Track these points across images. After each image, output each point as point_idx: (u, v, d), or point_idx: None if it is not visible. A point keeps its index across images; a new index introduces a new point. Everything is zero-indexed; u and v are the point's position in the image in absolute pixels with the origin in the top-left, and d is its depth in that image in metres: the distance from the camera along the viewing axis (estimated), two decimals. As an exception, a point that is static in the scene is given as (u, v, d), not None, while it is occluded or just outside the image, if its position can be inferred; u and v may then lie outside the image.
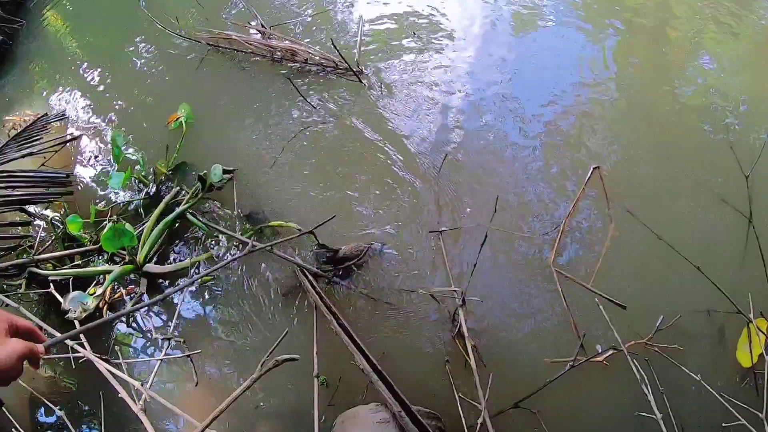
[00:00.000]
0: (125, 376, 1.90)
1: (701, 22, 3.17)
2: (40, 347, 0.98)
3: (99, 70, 3.80)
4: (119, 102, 3.54)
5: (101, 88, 3.69)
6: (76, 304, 2.35)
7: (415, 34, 3.23)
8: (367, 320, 2.32)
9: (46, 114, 3.60)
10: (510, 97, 2.86)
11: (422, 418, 1.86)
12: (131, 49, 3.78)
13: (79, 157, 3.38)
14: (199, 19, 3.68)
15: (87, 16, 4.38)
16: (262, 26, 3.39)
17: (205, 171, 2.68)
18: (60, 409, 2.24)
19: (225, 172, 2.70)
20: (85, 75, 3.83)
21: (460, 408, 1.95)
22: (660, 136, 2.69)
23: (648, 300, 2.25)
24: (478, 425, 1.85)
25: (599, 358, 2.09)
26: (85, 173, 3.29)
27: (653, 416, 1.74)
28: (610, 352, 2.09)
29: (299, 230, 2.46)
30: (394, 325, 2.30)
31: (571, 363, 1.95)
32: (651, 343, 2.09)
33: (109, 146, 3.16)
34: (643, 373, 1.84)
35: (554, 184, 2.56)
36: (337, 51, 2.93)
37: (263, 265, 2.55)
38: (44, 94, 3.86)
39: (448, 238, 2.45)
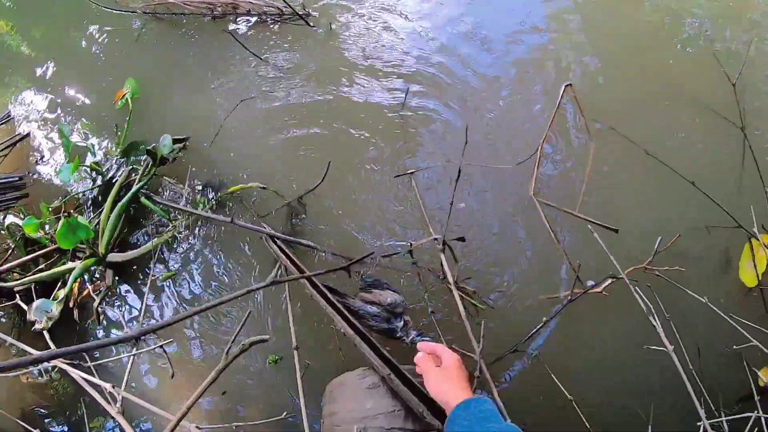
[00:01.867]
0: (97, 380, 1.74)
1: None
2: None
3: (43, 62, 3.54)
4: (67, 91, 3.29)
5: (48, 80, 3.43)
6: (40, 313, 2.18)
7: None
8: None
9: (-11, 116, 3.38)
10: (472, 23, 2.58)
11: (413, 378, 1.67)
12: (72, 35, 3.51)
13: (33, 155, 3.18)
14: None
15: (27, 10, 4.10)
16: (199, -18, 3.10)
17: (154, 144, 2.46)
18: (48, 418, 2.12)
19: (176, 141, 2.47)
20: (30, 70, 3.58)
21: None
22: (637, 49, 2.43)
23: (641, 223, 2.04)
24: (475, 378, 1.67)
25: (597, 289, 1.89)
26: (42, 171, 3.09)
27: (663, 348, 1.54)
28: (609, 281, 1.89)
29: (263, 188, 2.25)
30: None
31: (568, 297, 1.75)
32: (650, 267, 1.89)
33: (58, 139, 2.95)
34: (647, 301, 1.63)
35: (526, 109, 2.31)
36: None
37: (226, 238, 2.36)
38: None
39: (418, 180, 2.23)
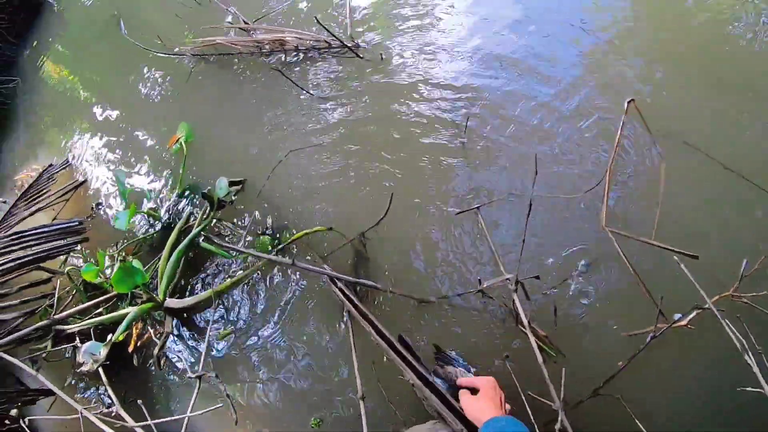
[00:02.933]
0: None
1: None
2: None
3: (101, 108, 3.64)
4: (124, 136, 3.35)
5: (105, 124, 3.52)
6: (88, 356, 2.16)
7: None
8: (412, 329, 2.01)
9: (50, 165, 3.46)
10: (526, 47, 2.45)
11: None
12: (119, 80, 3.60)
13: (92, 200, 3.23)
14: (181, 32, 3.44)
15: (83, 56, 4.23)
16: (245, 22, 3.11)
17: (210, 188, 2.44)
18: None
19: (232, 183, 2.45)
20: (90, 115, 3.67)
21: (529, 410, 1.61)
22: (707, 56, 2.23)
23: (720, 247, 1.84)
24: (557, 428, 1.51)
25: (683, 323, 1.71)
26: (100, 215, 3.13)
27: (760, 390, 1.34)
28: (695, 312, 1.70)
29: (329, 229, 2.19)
30: (444, 326, 1.98)
31: (652, 333, 1.58)
32: (738, 294, 1.69)
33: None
34: (739, 335, 1.43)
35: (591, 129, 2.16)
36: (323, 27, 2.62)
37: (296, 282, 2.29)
38: (50, 146, 3.74)
39: (483, 217, 2.10)
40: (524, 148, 2.17)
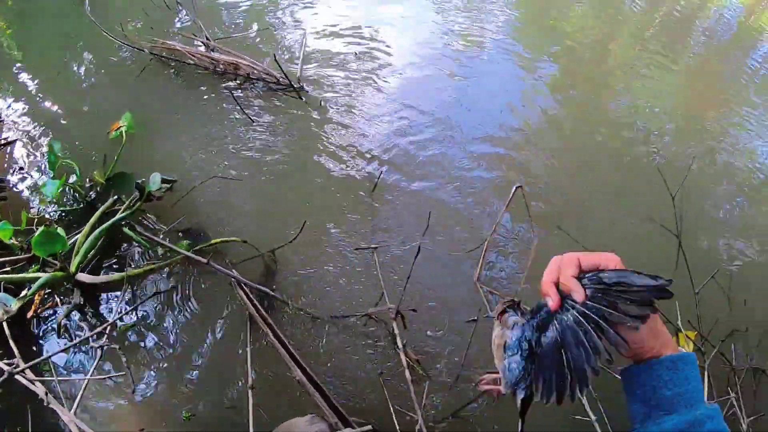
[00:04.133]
0: (58, 408, 1.91)
1: (636, 54, 3.44)
2: None
3: (38, 74, 3.72)
4: (58, 108, 3.48)
5: (39, 92, 3.61)
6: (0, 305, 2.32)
7: (356, 55, 3.35)
8: (303, 338, 2.39)
9: (-21, 117, 3.50)
10: (445, 119, 3.02)
11: (359, 428, 1.93)
12: (73, 53, 3.73)
13: (12, 163, 3.31)
14: (144, 29, 3.68)
15: (30, 17, 4.27)
16: (207, 39, 3.43)
17: (143, 179, 2.69)
18: None
19: (164, 181, 2.72)
20: (23, 79, 3.74)
21: (395, 421, 2.02)
22: (592, 157, 2.91)
23: None
24: None
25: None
26: (17, 180, 3.22)
27: (587, 419, 1.87)
28: None
29: (244, 241, 2.52)
30: (332, 341, 2.38)
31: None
32: None
33: (44, 154, 3.11)
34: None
35: (484, 204, 2.71)
36: (279, 67, 3.02)
37: (196, 280, 2.59)
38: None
39: (378, 255, 2.56)
40: (423, 206, 2.67)
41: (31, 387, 1.96)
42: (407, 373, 2.09)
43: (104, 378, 2.21)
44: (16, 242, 2.76)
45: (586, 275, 0.80)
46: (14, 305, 2.35)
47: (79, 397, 2.08)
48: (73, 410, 1.96)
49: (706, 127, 3.36)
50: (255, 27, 3.61)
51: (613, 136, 3.02)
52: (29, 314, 2.65)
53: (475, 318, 2.38)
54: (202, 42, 3.44)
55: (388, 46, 3.48)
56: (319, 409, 2.06)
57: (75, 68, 3.65)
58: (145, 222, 2.78)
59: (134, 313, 2.56)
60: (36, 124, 3.43)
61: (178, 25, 3.68)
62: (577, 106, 3.17)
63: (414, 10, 3.86)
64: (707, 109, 3.53)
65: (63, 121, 3.38)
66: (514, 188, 2.63)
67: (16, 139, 3.35)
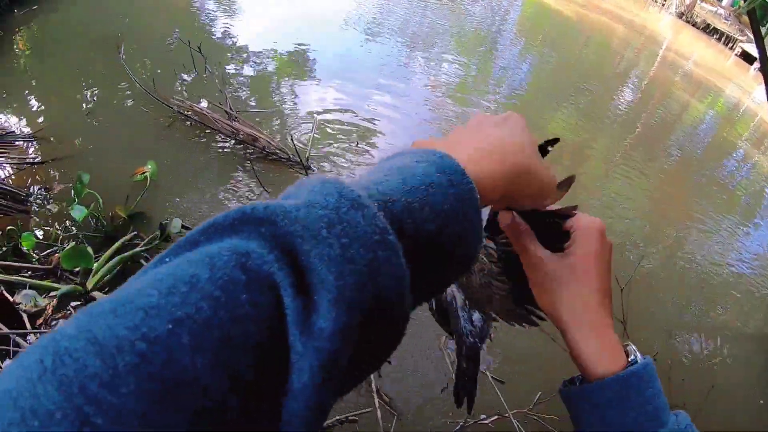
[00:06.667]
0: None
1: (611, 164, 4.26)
2: None
3: (69, 106, 4.17)
4: (83, 141, 3.91)
5: (68, 123, 4.05)
6: (29, 299, 2.66)
7: (357, 143, 4.02)
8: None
9: (13, 132, 3.88)
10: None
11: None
12: (104, 94, 4.21)
13: (35, 183, 3.68)
14: (172, 87, 4.23)
15: (65, 44, 4.72)
16: (230, 108, 4.01)
17: (167, 221, 3.16)
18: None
19: (183, 227, 3.19)
20: (54, 107, 4.17)
21: None
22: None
23: (531, 378, 2.97)
24: None
25: (486, 421, 2.61)
26: (41, 199, 3.59)
27: None
28: (495, 417, 2.65)
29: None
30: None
31: (462, 423, 2.58)
32: (531, 412, 2.66)
33: (71, 180, 3.52)
34: None
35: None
36: (295, 149, 3.62)
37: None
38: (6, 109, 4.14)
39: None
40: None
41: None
42: (378, 413, 2.57)
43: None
44: (32, 254, 3.12)
45: None
46: (42, 302, 2.71)
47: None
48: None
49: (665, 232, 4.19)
50: (274, 102, 4.24)
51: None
52: (39, 321, 2.98)
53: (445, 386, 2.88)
54: (226, 111, 4.01)
55: (383, 133, 4.19)
56: None
57: (103, 109, 4.13)
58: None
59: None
60: (63, 151, 3.84)
61: (205, 90, 4.25)
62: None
63: (408, 107, 4.61)
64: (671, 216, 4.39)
65: (89, 157, 3.81)
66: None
67: (46, 161, 3.74)
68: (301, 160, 3.70)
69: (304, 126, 4.16)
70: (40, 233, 3.27)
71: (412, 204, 0.33)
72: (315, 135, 3.99)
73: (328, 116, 4.27)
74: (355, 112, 4.32)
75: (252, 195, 3.57)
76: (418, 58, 5.13)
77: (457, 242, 0.35)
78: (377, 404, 2.61)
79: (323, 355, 0.26)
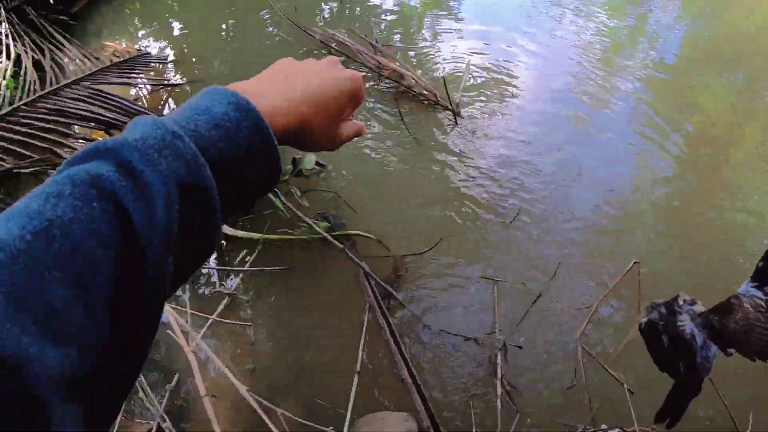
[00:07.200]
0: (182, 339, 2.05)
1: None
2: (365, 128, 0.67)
3: (210, 31, 4.00)
4: (222, 68, 3.72)
5: (208, 48, 3.88)
6: None
7: (513, 93, 3.46)
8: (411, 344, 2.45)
9: (148, 53, 3.75)
10: (582, 170, 3.08)
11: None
12: (241, 23, 3.98)
13: (168, 107, 3.53)
14: (311, 16, 3.91)
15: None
16: (376, 41, 3.60)
17: (300, 155, 2.83)
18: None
19: (318, 164, 2.85)
20: (196, 30, 4.02)
21: None
22: (698, 247, 2.89)
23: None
24: None
25: None
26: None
27: None
28: (617, 430, 2.23)
29: (379, 241, 2.62)
30: (433, 351, 2.42)
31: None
32: (653, 428, 2.23)
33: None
34: None
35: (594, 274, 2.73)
36: (446, 90, 3.13)
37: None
38: (139, 35, 4.04)
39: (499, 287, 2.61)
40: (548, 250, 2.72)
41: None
42: (498, 402, 2.12)
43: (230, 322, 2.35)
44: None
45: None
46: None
47: (201, 333, 2.19)
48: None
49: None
50: (423, 40, 3.80)
51: (720, 230, 2.99)
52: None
53: (573, 384, 2.38)
54: (371, 43, 3.61)
55: (523, 81, 3.65)
56: (410, 411, 2.12)
57: (242, 37, 3.90)
58: (291, 192, 2.88)
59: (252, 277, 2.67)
60: (201, 74, 3.67)
61: (346, 22, 3.87)
62: (692, 191, 3.17)
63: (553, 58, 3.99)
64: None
65: (226, 81, 3.52)
66: (633, 262, 2.64)
67: (183, 84, 3.58)
68: (450, 105, 3.21)
69: (447, 67, 3.67)
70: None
71: (214, 136, 0.43)
72: (467, 79, 3.47)
73: (472, 60, 3.74)
74: (498, 58, 3.77)
75: (393, 132, 3.16)
76: (567, 14, 4.46)
77: (253, 161, 0.45)
78: (499, 393, 2.23)
79: (160, 218, 0.36)
